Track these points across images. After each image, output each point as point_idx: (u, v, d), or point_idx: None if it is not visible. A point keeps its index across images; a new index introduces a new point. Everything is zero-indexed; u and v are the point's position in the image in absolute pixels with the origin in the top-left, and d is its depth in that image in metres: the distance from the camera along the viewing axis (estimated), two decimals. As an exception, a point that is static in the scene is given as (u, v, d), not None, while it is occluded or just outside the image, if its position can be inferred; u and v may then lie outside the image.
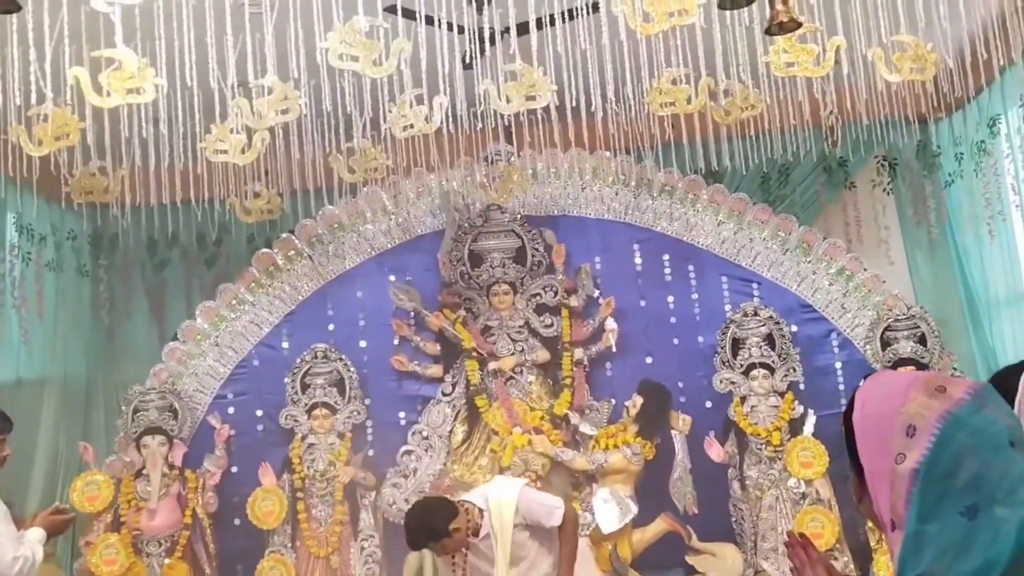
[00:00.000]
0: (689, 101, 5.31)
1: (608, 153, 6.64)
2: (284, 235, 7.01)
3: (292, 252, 6.98)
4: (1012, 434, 1.10)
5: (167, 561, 6.35)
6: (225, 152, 5.20)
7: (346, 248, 7.04)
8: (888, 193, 7.52)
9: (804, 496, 6.35)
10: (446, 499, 4.59)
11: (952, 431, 1.10)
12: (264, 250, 7.02)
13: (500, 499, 4.42)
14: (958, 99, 6.43)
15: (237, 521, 6.58)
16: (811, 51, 4.79)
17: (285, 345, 6.96)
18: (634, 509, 6.33)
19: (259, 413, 6.88)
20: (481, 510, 4.42)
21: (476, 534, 4.38)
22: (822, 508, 6.27)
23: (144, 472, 6.44)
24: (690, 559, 6.41)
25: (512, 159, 6.61)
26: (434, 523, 4.26)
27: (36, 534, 4.05)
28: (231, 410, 6.86)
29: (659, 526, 6.44)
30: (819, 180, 7.48)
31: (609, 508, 6.30)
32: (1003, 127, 6.70)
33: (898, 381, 1.19)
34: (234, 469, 6.72)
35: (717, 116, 5.73)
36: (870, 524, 6.20)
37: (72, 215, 6.67)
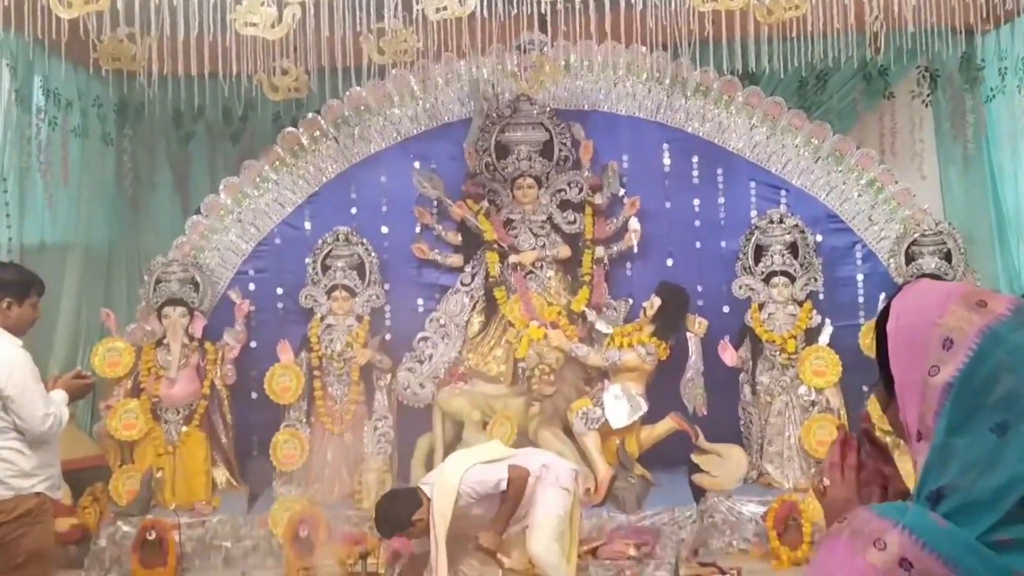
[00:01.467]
0: (732, -2, 5.16)
1: (644, 48, 6.47)
2: (310, 115, 6.95)
3: (317, 132, 6.93)
4: None
5: (184, 429, 6.51)
6: (255, 25, 5.13)
7: (372, 131, 6.98)
8: (927, 105, 7.34)
9: (814, 404, 6.42)
10: (413, 491, 4.86)
11: (990, 347, 1.09)
12: (289, 129, 6.97)
13: (442, 487, 4.68)
14: (1008, 11, 6.23)
15: (254, 395, 6.72)
16: (863, -49, 4.62)
17: (307, 226, 6.98)
18: (644, 407, 6.42)
19: (279, 291, 6.94)
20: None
21: None
22: (831, 417, 6.34)
23: (165, 342, 6.56)
24: (696, 458, 6.53)
25: (545, 49, 6.48)
26: (398, 515, 4.67)
27: (59, 395, 4.15)
28: (251, 286, 6.93)
29: (667, 425, 6.54)
30: (857, 88, 7.31)
31: (619, 404, 6.39)
32: (1052, 43, 6.51)
33: (937, 292, 1.16)
34: (253, 344, 6.83)
35: (759, 15, 5.56)
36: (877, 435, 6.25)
37: (99, 82, 6.61)
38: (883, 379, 1.22)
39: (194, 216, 6.96)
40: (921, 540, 1.04)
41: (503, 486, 4.70)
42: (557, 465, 4.96)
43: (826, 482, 1.36)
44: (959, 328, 1.10)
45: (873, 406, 6.21)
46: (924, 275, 6.35)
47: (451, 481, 4.68)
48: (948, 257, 6.47)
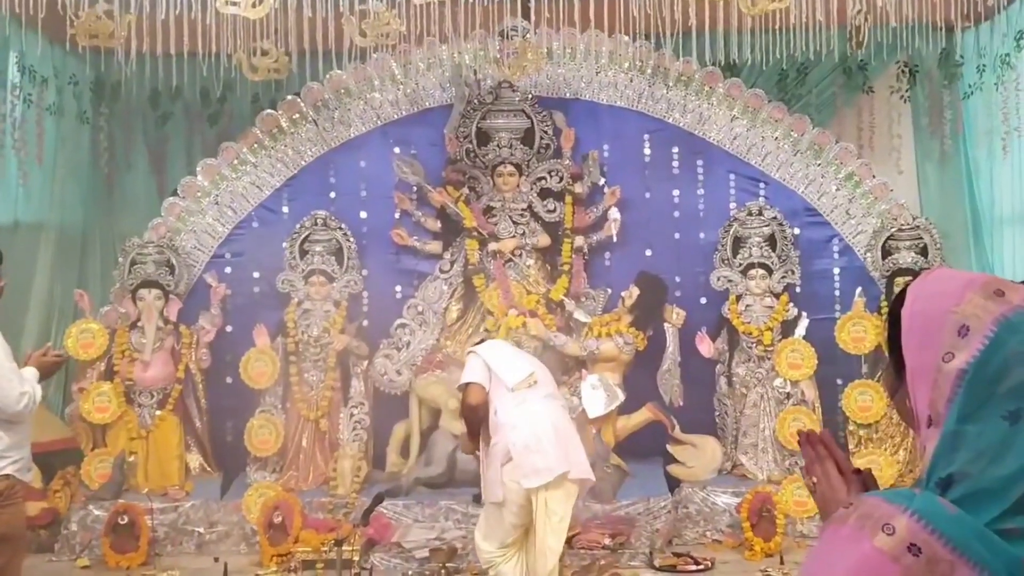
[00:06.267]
0: (718, -12, 5.16)
1: (627, 37, 6.47)
2: (289, 97, 6.89)
3: (297, 115, 6.87)
4: None
5: (158, 413, 6.45)
6: (236, 4, 5.07)
7: (352, 115, 6.93)
8: (905, 101, 7.39)
9: (789, 396, 6.46)
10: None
11: (1006, 335, 1.09)
12: (269, 111, 6.91)
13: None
14: (987, 8, 6.27)
15: (229, 379, 6.66)
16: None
17: (285, 209, 6.92)
18: (621, 396, 6.43)
19: (256, 275, 6.88)
20: None
21: None
22: (805, 409, 6.38)
23: (139, 324, 6.48)
24: (671, 448, 6.55)
25: (527, 36, 6.46)
26: None
27: (30, 372, 4.07)
28: (228, 270, 6.86)
29: (643, 415, 6.55)
30: (837, 82, 7.34)
31: (597, 394, 6.39)
32: (1030, 42, 6.57)
33: (955, 279, 1.17)
34: (228, 328, 6.76)
35: (743, 6, 5.57)
36: (851, 427, 6.33)
37: (75, 59, 6.50)
38: (892, 364, 1.22)
39: (171, 198, 6.88)
40: (930, 525, 1.04)
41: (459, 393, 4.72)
42: (507, 434, 4.45)
43: (815, 479, 1.36)
44: (975, 316, 1.11)
45: (847, 400, 6.28)
46: (901, 270, 6.41)
47: (473, 352, 4.74)
48: (924, 252, 6.52)
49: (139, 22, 5.44)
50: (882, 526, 1.05)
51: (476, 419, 4.59)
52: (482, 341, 5.17)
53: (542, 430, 4.48)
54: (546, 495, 4.42)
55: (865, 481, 1.35)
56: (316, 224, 6.66)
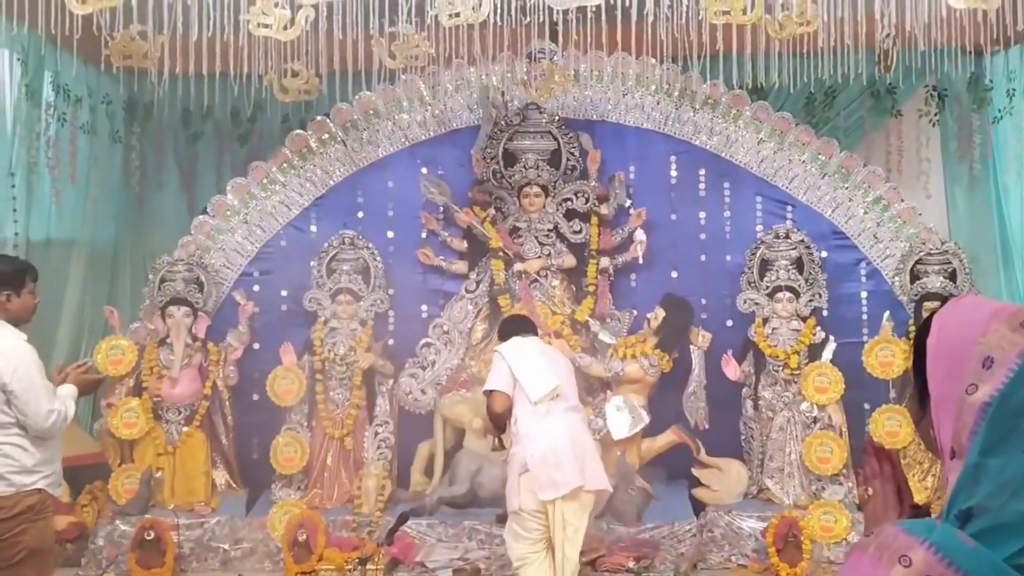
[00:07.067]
0: (745, 12, 5.17)
1: (653, 60, 6.48)
2: (319, 117, 6.95)
3: (326, 135, 6.93)
4: None
5: (185, 429, 6.50)
6: (268, 27, 5.13)
7: (380, 136, 6.98)
8: (934, 125, 7.36)
9: (815, 420, 6.41)
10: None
11: None
12: (298, 131, 6.98)
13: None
14: (1018, 33, 6.22)
15: (256, 396, 6.70)
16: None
17: (313, 228, 6.97)
18: (646, 418, 6.41)
19: (283, 293, 6.93)
20: None
21: None
22: (832, 434, 6.32)
23: (168, 341, 6.54)
24: (696, 472, 6.51)
25: (555, 58, 6.50)
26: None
27: (68, 390, 4.13)
28: (256, 288, 6.92)
29: (668, 437, 6.53)
30: (865, 106, 7.33)
31: (621, 416, 6.38)
32: (1061, 66, 6.53)
33: (981, 309, 1.16)
34: (256, 346, 6.81)
35: (771, 30, 5.56)
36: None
37: (109, 79, 6.61)
38: (917, 392, 1.22)
39: (200, 216, 6.96)
40: (947, 559, 1.03)
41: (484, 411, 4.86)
42: (526, 445, 4.60)
43: (870, 491, 1.35)
44: (1000, 348, 1.10)
45: (875, 425, 6.23)
46: (929, 294, 6.36)
47: (500, 353, 4.85)
48: (953, 276, 6.47)
49: (172, 43, 5.52)
50: (899, 557, 1.05)
51: (500, 424, 4.82)
52: (509, 322, 5.27)
53: (560, 444, 4.61)
54: (563, 507, 4.55)
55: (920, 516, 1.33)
56: (343, 243, 6.71)
